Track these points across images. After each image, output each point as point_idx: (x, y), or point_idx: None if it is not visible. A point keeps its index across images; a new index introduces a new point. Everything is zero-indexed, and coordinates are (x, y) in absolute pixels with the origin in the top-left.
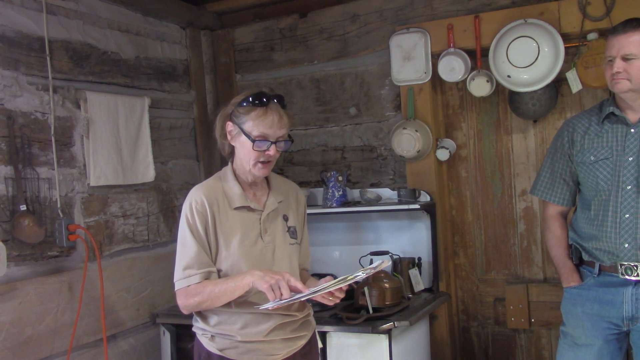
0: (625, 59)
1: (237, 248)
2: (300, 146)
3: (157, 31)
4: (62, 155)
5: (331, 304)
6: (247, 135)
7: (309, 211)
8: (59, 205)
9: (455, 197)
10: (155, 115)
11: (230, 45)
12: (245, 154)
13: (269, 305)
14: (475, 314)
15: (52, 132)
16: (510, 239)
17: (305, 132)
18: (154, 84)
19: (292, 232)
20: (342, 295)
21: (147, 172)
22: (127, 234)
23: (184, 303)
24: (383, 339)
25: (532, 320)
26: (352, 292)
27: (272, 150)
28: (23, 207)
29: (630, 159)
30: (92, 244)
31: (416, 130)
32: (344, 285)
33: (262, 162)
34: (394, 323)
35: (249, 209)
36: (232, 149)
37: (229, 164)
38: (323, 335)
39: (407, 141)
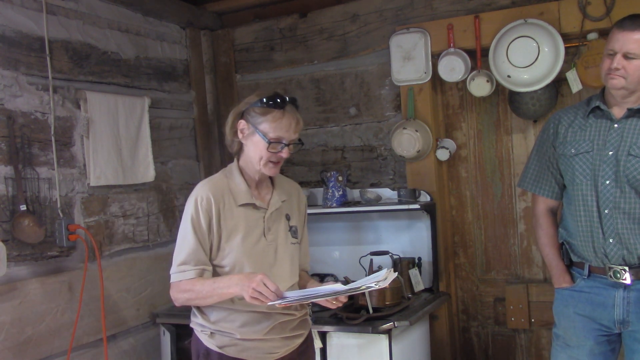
0: (626, 56)
1: (239, 245)
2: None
3: (157, 31)
4: (62, 155)
5: (334, 307)
6: (263, 136)
7: (309, 211)
8: (59, 205)
9: (455, 197)
10: (155, 115)
11: (230, 45)
12: (257, 153)
13: (276, 303)
14: (475, 314)
15: (52, 132)
16: (510, 238)
17: (305, 132)
18: (154, 84)
19: (293, 232)
20: (345, 301)
21: (147, 172)
22: (127, 234)
23: (175, 296)
24: (383, 339)
25: (532, 320)
26: None
27: (285, 152)
28: (23, 207)
29: (610, 153)
30: (92, 244)
31: (416, 130)
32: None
33: (273, 162)
34: (394, 323)
35: (253, 206)
36: (241, 146)
37: (235, 160)
38: (323, 335)
39: (407, 141)
